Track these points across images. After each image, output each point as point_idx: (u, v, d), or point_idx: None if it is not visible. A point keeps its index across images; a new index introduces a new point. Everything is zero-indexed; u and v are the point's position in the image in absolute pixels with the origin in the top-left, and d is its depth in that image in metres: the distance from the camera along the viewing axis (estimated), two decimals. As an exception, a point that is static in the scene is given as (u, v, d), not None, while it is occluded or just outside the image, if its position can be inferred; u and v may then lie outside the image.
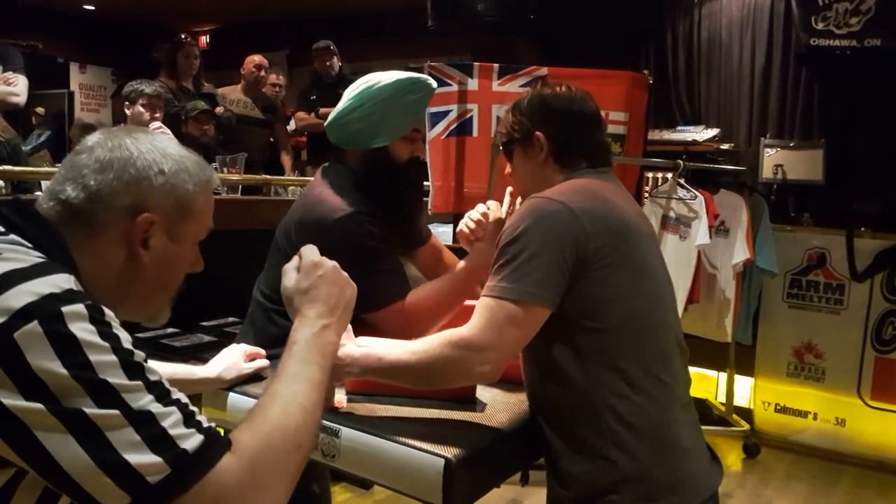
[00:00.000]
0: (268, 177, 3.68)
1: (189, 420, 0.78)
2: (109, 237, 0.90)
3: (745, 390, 4.21)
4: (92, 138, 0.95)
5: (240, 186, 3.43)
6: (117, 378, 0.74)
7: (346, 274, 1.08)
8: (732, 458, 3.81)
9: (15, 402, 0.70)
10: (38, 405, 0.71)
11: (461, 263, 1.65)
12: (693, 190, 3.64)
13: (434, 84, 1.68)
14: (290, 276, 1.06)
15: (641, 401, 1.28)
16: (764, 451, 3.87)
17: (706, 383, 4.33)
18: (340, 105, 1.68)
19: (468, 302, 1.63)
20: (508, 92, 3.44)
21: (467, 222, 1.66)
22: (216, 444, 0.78)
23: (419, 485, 1.19)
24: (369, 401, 1.40)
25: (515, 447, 1.38)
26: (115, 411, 0.73)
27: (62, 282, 0.77)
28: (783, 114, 4.41)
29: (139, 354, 0.78)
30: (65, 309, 0.74)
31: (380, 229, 1.60)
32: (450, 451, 1.18)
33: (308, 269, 1.06)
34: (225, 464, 0.77)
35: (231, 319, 2.43)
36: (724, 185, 3.96)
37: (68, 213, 0.89)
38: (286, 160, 5.12)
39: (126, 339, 0.78)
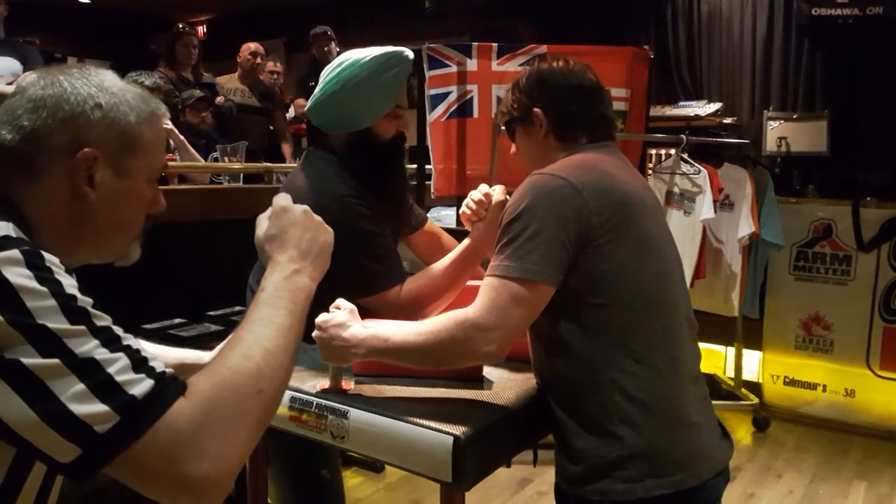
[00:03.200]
0: (269, 164, 3.67)
1: (139, 366, 0.74)
2: (52, 178, 0.87)
3: (753, 364, 4.21)
4: (26, 79, 0.90)
5: (241, 175, 3.43)
6: (57, 323, 0.71)
7: (319, 218, 1.04)
8: (742, 431, 3.82)
9: None
10: None
11: (462, 244, 1.64)
12: (696, 164, 3.62)
13: (411, 54, 1.64)
14: (262, 225, 1.02)
15: (648, 375, 1.28)
16: (773, 424, 3.88)
17: (714, 358, 4.33)
18: (319, 88, 1.64)
19: (471, 282, 1.63)
20: (508, 71, 3.41)
21: (469, 203, 1.65)
22: (168, 389, 0.74)
23: (429, 463, 1.19)
24: (377, 382, 1.40)
25: (523, 424, 1.38)
26: (56, 360, 0.70)
27: None
28: (786, 86, 4.38)
29: (85, 300, 0.75)
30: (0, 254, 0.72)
31: (371, 212, 1.58)
32: (458, 429, 1.18)
33: (277, 214, 1.01)
34: (177, 408, 0.73)
35: (237, 309, 2.43)
36: (727, 159, 3.94)
37: (6, 158, 0.86)
38: (286, 148, 5.11)
39: (70, 285, 0.75)
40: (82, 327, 0.73)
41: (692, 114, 4.27)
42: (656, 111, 4.29)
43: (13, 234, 0.77)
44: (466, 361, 1.34)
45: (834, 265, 3.91)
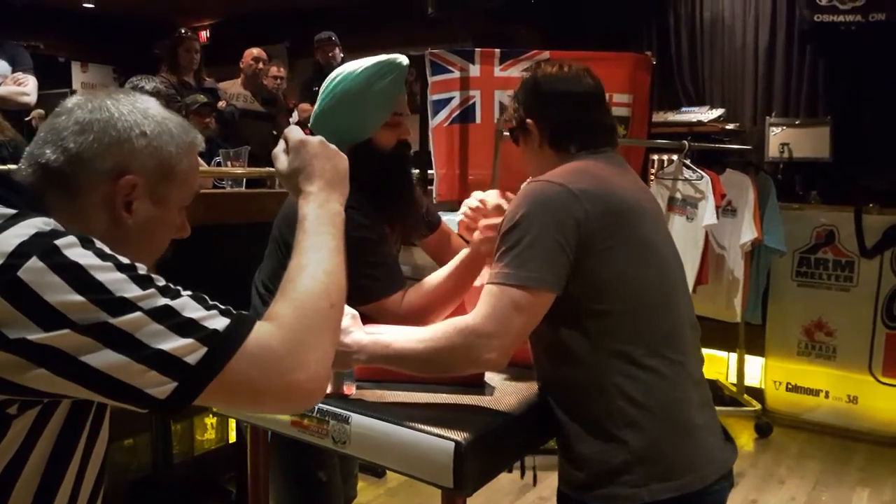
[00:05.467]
0: (272, 169, 3.67)
1: (209, 307, 0.81)
2: (91, 201, 0.90)
3: (755, 370, 4.20)
4: (72, 100, 0.93)
5: (244, 180, 3.44)
6: (132, 292, 0.77)
7: (333, 146, 1.09)
8: (745, 437, 3.81)
9: (39, 335, 0.73)
10: (65, 330, 0.73)
11: (462, 252, 1.64)
12: (699, 170, 3.62)
13: (405, 60, 1.63)
14: (281, 158, 1.08)
15: (651, 380, 1.28)
16: (776, 431, 3.87)
17: (717, 364, 4.33)
18: (317, 104, 1.65)
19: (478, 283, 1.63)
20: (511, 77, 3.42)
21: (465, 211, 1.65)
22: (244, 319, 0.82)
23: (430, 469, 1.19)
24: (378, 387, 1.40)
25: (525, 430, 1.38)
26: (138, 314, 0.76)
27: (43, 224, 0.79)
28: (788, 92, 4.38)
29: (141, 266, 0.81)
30: (57, 241, 0.76)
31: (372, 221, 1.58)
32: (460, 435, 1.18)
33: (296, 148, 1.07)
34: (266, 332, 0.82)
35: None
36: (730, 165, 3.94)
37: (48, 177, 0.89)
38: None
39: (124, 257, 0.80)
40: (152, 290, 0.79)
41: (695, 119, 4.27)
42: (659, 117, 4.29)
43: (59, 228, 0.80)
44: (467, 369, 1.33)
45: (836, 271, 3.90)
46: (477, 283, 1.64)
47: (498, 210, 1.58)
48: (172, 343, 0.77)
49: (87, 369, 0.74)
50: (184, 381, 0.77)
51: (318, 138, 1.09)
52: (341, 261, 0.96)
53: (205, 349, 0.78)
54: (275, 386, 0.82)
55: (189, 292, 0.82)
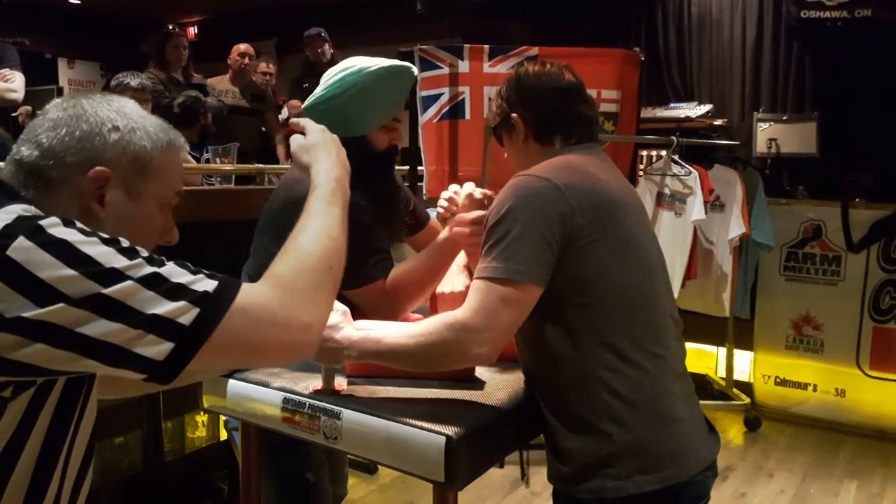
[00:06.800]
0: (261, 166, 3.67)
1: (195, 272, 0.84)
2: (65, 194, 0.91)
3: (744, 364, 4.23)
4: (52, 103, 0.96)
5: (233, 176, 3.43)
6: (120, 262, 0.79)
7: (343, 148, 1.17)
8: (734, 431, 3.83)
9: (35, 311, 0.74)
10: (60, 305, 0.75)
11: (439, 236, 1.66)
12: (687, 166, 3.64)
13: (416, 71, 1.66)
14: (299, 138, 1.16)
15: (634, 374, 1.29)
16: (765, 424, 3.90)
17: (706, 358, 4.35)
18: (320, 90, 1.64)
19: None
20: (500, 73, 3.42)
21: (440, 202, 1.68)
22: (230, 281, 0.85)
23: (421, 463, 1.20)
24: (369, 383, 1.41)
25: (515, 424, 1.38)
26: (128, 282, 0.78)
27: (23, 210, 0.81)
28: (776, 87, 4.41)
29: (123, 240, 0.83)
30: (41, 222, 0.78)
31: (367, 204, 1.60)
32: (451, 429, 1.19)
33: (317, 130, 1.16)
34: (258, 289, 0.86)
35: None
36: (718, 161, 3.96)
37: (22, 172, 0.91)
38: (280, 149, 5.11)
39: (104, 233, 0.82)
40: (139, 259, 0.81)
41: (683, 115, 4.29)
42: (647, 113, 4.30)
43: (41, 212, 0.82)
44: (458, 364, 1.34)
45: (824, 266, 3.93)
46: (447, 290, 1.66)
47: (470, 198, 1.60)
48: (165, 307, 0.79)
49: (85, 339, 0.76)
50: (180, 341, 0.79)
51: (334, 135, 1.16)
52: (343, 231, 1.01)
53: (197, 310, 0.80)
54: (268, 339, 0.85)
55: (170, 261, 0.84)
